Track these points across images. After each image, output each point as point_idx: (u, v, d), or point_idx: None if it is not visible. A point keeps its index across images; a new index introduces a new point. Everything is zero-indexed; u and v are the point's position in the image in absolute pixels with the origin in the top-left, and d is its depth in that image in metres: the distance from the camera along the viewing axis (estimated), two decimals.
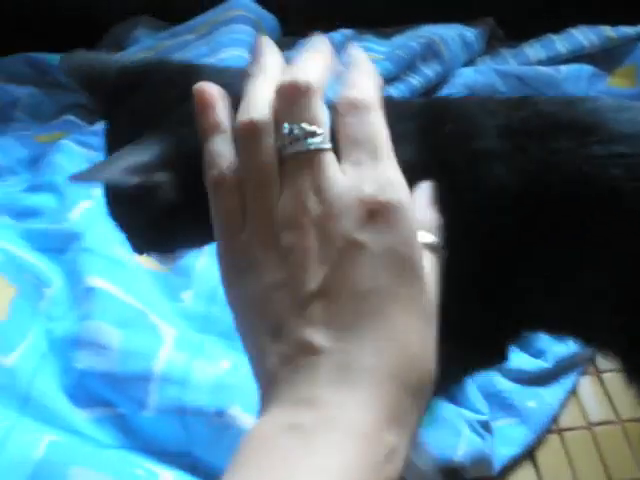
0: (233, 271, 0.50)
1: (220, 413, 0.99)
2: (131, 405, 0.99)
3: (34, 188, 1.33)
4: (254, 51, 0.56)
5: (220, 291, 1.11)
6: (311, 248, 0.46)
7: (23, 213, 1.29)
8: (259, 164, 0.48)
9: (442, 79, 1.61)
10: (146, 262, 1.18)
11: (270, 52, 0.55)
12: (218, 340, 1.11)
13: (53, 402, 1.00)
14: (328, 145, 0.48)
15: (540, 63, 1.70)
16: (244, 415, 0.99)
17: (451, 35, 1.66)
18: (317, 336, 0.45)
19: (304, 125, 0.48)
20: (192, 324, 1.13)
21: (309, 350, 0.45)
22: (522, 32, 1.80)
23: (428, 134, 0.69)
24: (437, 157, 0.68)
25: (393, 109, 0.56)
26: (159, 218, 0.64)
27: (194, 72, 0.66)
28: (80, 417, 0.99)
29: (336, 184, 0.47)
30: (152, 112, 0.63)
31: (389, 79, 1.51)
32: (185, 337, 1.08)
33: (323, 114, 0.50)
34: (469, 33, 1.71)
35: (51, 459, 0.90)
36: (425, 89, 1.57)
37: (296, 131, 0.48)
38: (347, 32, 1.69)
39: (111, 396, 1.00)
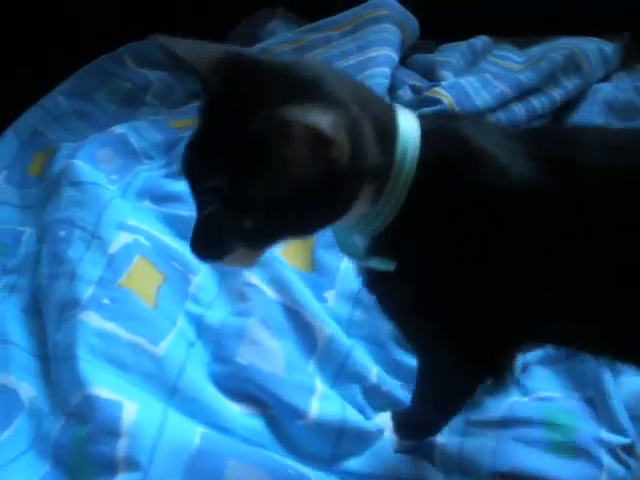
0: None
1: (381, 431, 0.98)
2: (288, 412, 0.98)
3: (177, 174, 1.33)
4: None
5: (363, 294, 1.11)
6: None
7: (164, 198, 1.29)
8: None
9: (580, 93, 1.56)
10: (289, 260, 1.17)
11: None
12: (361, 344, 1.10)
13: (201, 393, 1.00)
14: None
15: None
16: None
17: (591, 48, 1.61)
18: None
19: None
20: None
21: None
22: None
23: None
24: None
25: None
26: (314, 186, 0.63)
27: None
28: (230, 410, 0.99)
29: None
30: (295, 90, 0.64)
31: (531, 90, 1.47)
32: (336, 341, 1.07)
33: None
34: (607, 47, 1.66)
35: (208, 450, 0.91)
36: (565, 102, 1.53)
37: None
38: (485, 39, 1.66)
39: (268, 398, 1.00)
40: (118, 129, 1.47)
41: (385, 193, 0.70)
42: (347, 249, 0.78)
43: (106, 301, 1.05)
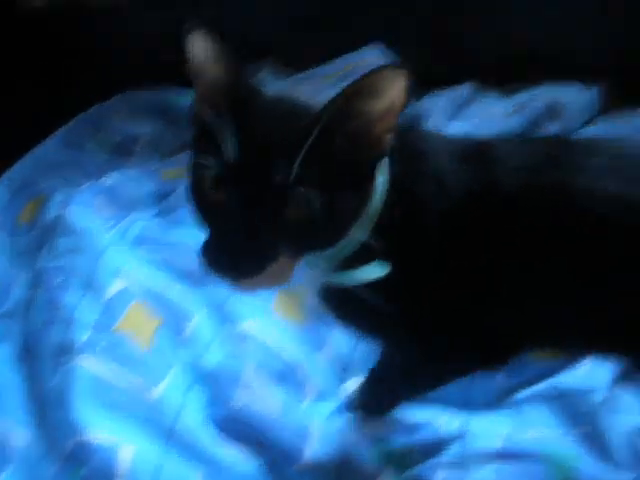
0: None
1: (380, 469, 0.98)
2: (285, 455, 0.99)
3: (175, 223, 1.34)
4: None
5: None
6: None
7: (160, 245, 1.30)
8: None
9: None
10: (283, 313, 1.19)
11: None
12: None
13: (199, 436, 0.99)
14: None
15: None
16: None
17: (571, 95, 1.67)
18: None
19: None
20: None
21: None
22: None
23: None
24: None
25: None
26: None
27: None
28: (228, 453, 0.99)
29: None
30: None
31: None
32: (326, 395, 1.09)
33: None
34: (588, 93, 1.70)
35: None
36: None
37: None
38: (471, 86, 1.70)
39: (265, 440, 1.00)
40: (109, 179, 1.48)
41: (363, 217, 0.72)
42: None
43: (102, 345, 1.06)
